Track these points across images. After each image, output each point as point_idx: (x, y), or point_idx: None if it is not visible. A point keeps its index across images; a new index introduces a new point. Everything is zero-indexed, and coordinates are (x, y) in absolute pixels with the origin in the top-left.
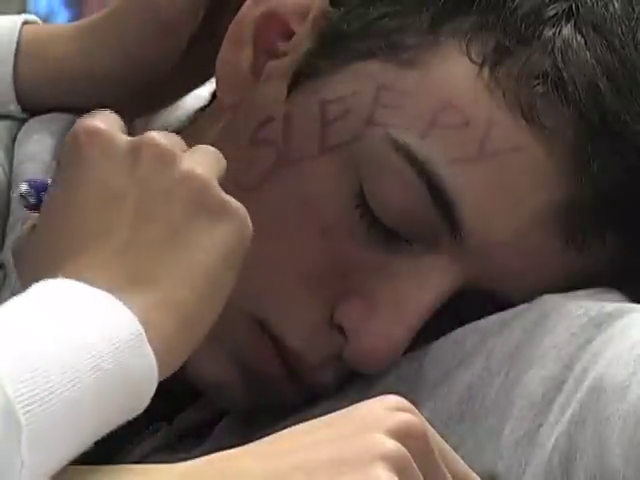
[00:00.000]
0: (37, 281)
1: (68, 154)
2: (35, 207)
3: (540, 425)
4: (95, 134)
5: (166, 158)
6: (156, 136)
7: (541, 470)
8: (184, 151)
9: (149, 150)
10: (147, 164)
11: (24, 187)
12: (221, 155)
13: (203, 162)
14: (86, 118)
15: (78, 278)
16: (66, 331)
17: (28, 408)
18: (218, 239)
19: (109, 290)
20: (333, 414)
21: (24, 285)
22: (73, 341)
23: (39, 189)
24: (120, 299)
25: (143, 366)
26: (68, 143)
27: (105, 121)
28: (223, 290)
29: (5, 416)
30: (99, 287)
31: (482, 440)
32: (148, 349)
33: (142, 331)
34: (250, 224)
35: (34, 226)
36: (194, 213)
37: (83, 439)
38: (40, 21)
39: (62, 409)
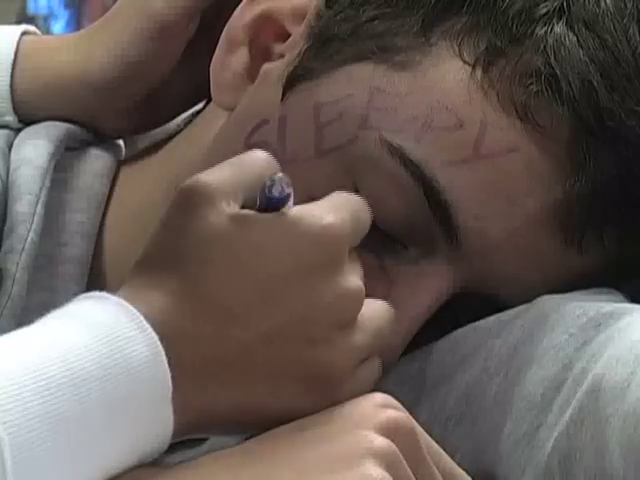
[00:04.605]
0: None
1: (297, 230)
2: (265, 204)
3: (539, 426)
4: (342, 248)
5: (344, 325)
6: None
7: (540, 471)
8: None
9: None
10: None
11: (279, 184)
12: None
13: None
14: (339, 217)
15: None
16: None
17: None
18: None
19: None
20: (320, 412)
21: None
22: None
23: (280, 200)
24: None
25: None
26: (306, 223)
27: (356, 231)
28: None
29: None
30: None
31: (481, 441)
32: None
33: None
34: None
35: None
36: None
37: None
38: (39, 31)
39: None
